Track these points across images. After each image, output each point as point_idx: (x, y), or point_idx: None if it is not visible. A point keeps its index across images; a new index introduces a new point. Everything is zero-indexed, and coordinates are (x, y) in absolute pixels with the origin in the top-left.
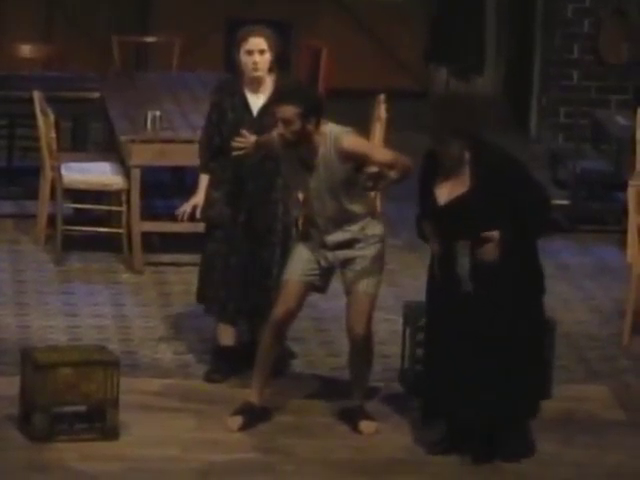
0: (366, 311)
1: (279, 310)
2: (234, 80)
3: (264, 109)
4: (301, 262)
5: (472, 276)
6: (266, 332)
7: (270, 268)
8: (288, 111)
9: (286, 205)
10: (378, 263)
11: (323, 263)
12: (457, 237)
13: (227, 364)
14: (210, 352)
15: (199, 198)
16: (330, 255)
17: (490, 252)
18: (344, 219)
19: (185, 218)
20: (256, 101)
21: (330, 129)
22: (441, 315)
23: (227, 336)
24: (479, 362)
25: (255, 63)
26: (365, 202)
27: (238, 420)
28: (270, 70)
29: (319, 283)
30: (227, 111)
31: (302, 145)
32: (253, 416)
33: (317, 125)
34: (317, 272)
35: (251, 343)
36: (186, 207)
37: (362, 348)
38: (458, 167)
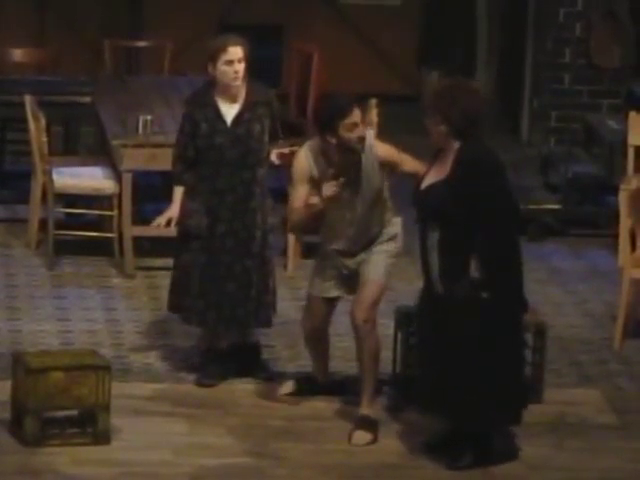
0: (369, 296)
1: (306, 327)
2: (206, 91)
3: (238, 117)
4: (324, 278)
5: (441, 277)
6: (304, 340)
7: (250, 276)
8: (359, 112)
9: (264, 213)
10: (389, 256)
11: (345, 272)
12: (427, 226)
13: (218, 368)
14: (200, 356)
15: (174, 210)
16: (351, 262)
17: None
18: (374, 224)
19: (159, 232)
20: (229, 110)
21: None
22: (420, 316)
23: (213, 339)
24: (453, 366)
25: (236, 72)
26: (390, 207)
27: (290, 386)
28: (243, 79)
29: (344, 293)
30: (200, 123)
31: (346, 155)
32: (307, 387)
33: None
34: (339, 284)
35: (240, 346)
36: (161, 220)
37: (362, 337)
38: (445, 155)
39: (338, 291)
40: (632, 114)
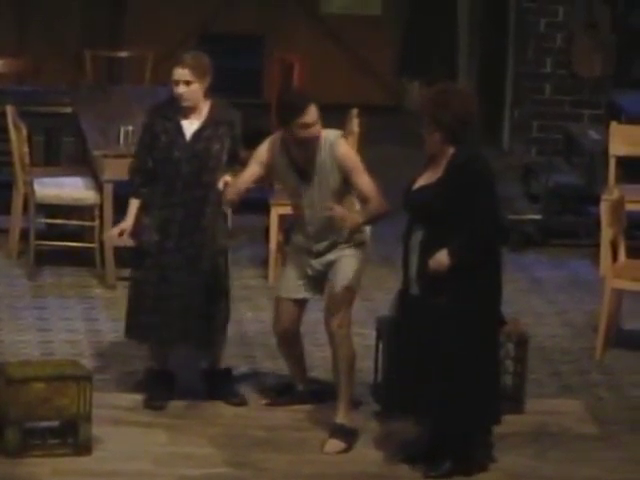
0: (341, 301)
1: (276, 330)
2: (169, 103)
3: (198, 134)
4: (290, 280)
5: (418, 279)
6: (277, 345)
7: (197, 296)
8: (315, 112)
9: (215, 233)
10: (356, 260)
11: (311, 273)
12: (413, 226)
13: (166, 389)
14: (146, 377)
15: (128, 223)
16: (316, 263)
17: (438, 262)
18: (333, 230)
19: (112, 243)
20: (190, 126)
21: (325, 134)
22: (396, 317)
23: (163, 360)
24: (424, 369)
25: (180, 95)
26: (358, 211)
27: (270, 395)
28: (205, 96)
29: (311, 294)
30: (159, 135)
31: (302, 150)
32: (287, 395)
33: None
34: (306, 286)
35: (211, 372)
36: (114, 231)
37: (337, 342)
38: (438, 161)
39: (305, 292)
40: (613, 124)
